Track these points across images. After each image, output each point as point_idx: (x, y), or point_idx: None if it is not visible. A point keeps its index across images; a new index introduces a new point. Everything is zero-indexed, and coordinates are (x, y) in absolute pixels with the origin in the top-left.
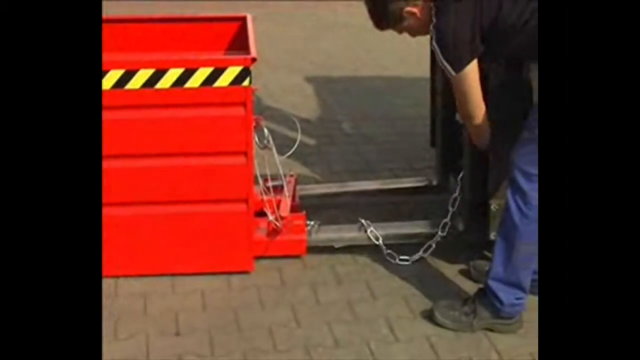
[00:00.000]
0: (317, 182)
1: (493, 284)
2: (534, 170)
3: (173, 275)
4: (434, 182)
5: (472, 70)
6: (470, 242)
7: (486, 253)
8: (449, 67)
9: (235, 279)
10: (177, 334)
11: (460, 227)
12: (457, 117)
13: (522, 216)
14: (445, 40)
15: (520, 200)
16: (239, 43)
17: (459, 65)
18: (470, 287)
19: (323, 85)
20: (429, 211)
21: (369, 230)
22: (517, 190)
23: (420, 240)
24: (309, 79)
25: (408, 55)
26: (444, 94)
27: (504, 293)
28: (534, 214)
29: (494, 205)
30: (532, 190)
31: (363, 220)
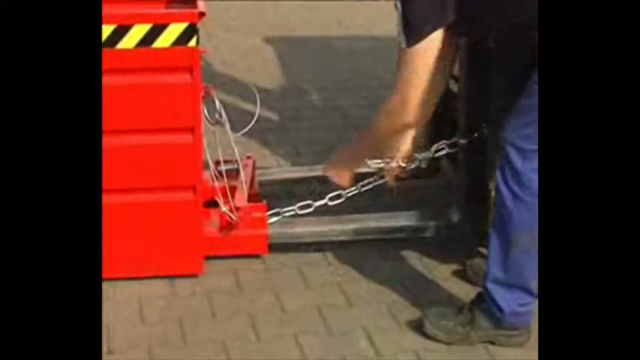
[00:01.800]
0: (280, 165)
1: (491, 287)
2: (530, 146)
3: (104, 279)
4: (423, 165)
5: (430, 46)
6: (466, 235)
7: (485, 250)
8: (402, 36)
9: (180, 284)
10: (110, 352)
11: (455, 217)
12: (452, 85)
13: (516, 200)
14: (406, 12)
15: (513, 182)
16: None
17: (415, 36)
18: (466, 292)
19: (287, 47)
20: (417, 200)
21: (343, 224)
22: (510, 169)
23: (407, 235)
24: (270, 40)
25: (387, 9)
26: None
27: (504, 298)
28: (530, 197)
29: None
30: (527, 169)
31: (336, 212)
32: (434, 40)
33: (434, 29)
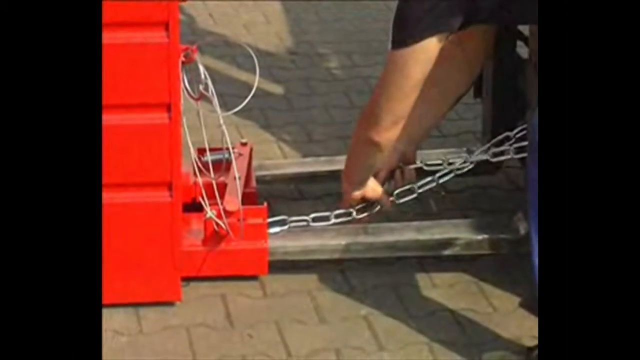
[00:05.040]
0: (285, 155)
1: None
2: None
3: None
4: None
5: (422, 56)
6: None
7: None
8: (390, 37)
9: (150, 315)
10: None
11: (522, 228)
12: (521, 47)
13: None
14: (401, 5)
15: None
16: None
17: (403, 37)
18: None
19: None
20: (471, 204)
21: (371, 236)
22: None
23: (457, 251)
24: None
25: None
26: None
27: None
28: None
29: None
30: None
31: (357, 219)
32: (429, 50)
33: (429, 35)
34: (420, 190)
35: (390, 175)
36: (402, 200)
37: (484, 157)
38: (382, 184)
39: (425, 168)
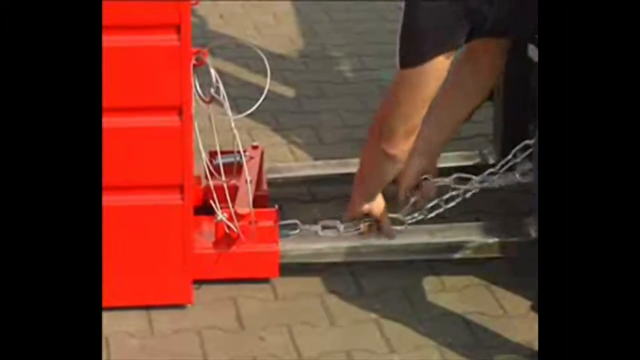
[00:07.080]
0: (296, 158)
1: None
2: None
3: None
4: (491, 160)
5: (430, 73)
6: None
7: None
8: (397, 57)
9: (162, 318)
10: None
11: (534, 231)
12: (532, 52)
13: None
14: (407, 22)
15: None
16: None
17: (412, 58)
18: None
19: None
20: (481, 207)
21: (381, 239)
22: None
23: (468, 254)
24: None
25: None
26: None
27: None
28: None
29: None
30: None
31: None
32: (438, 69)
33: (436, 54)
34: (430, 215)
35: (413, 191)
36: (411, 220)
37: (515, 179)
38: (403, 202)
39: (452, 186)
